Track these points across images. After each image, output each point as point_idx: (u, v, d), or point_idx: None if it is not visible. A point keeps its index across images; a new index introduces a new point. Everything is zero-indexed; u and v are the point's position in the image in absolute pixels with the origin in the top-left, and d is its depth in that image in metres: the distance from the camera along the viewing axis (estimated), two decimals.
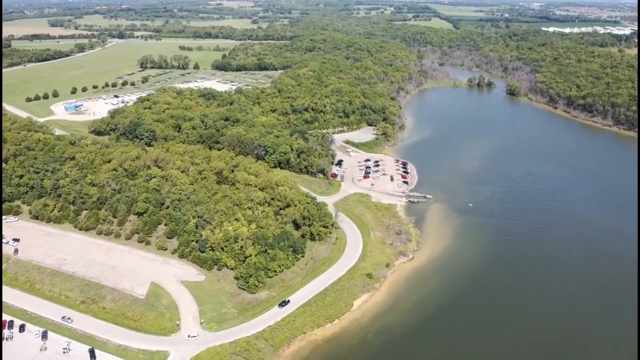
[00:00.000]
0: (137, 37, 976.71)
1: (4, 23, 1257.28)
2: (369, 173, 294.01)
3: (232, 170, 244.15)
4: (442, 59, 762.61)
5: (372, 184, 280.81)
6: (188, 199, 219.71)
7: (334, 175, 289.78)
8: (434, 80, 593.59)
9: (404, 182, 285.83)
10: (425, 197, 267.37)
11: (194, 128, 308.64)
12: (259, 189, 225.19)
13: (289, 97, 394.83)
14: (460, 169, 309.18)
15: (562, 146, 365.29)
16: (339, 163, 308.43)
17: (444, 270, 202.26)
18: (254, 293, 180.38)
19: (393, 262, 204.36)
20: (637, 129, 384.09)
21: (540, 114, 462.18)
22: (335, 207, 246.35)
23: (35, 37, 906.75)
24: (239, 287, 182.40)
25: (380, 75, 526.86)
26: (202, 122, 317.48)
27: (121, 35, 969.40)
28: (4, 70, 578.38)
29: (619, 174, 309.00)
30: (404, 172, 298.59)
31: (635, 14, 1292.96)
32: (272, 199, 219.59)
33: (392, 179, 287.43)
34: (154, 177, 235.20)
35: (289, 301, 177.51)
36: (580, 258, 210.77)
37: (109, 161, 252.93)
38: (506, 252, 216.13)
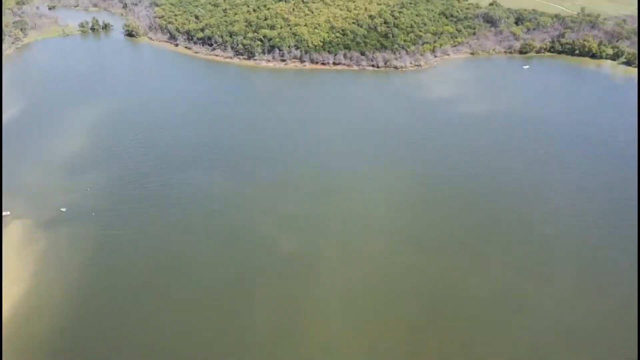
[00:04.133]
0: None
1: None
2: None
3: None
4: (53, 0, 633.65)
5: None
6: None
7: None
8: (37, 31, 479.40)
9: None
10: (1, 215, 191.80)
11: None
12: None
13: None
14: (57, 154, 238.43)
15: (184, 90, 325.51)
16: None
17: None
18: None
19: None
20: None
21: (162, 54, 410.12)
22: None
23: None
24: None
25: None
26: None
27: None
28: None
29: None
30: None
31: None
32: None
33: None
34: None
35: None
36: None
37: None
38: (110, 285, 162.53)
